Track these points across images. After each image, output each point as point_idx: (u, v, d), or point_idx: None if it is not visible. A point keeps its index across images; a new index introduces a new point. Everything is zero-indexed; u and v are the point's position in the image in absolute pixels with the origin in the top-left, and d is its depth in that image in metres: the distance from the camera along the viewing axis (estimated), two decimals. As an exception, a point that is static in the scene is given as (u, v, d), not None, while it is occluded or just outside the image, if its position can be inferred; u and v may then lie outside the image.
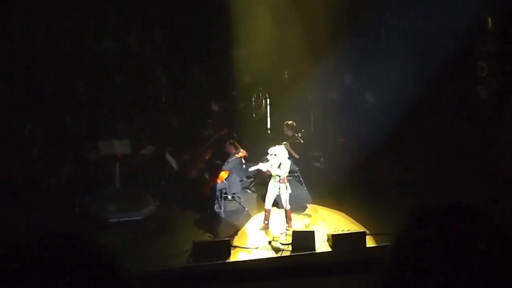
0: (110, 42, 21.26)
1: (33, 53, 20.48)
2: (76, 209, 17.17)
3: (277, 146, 16.26)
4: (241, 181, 17.27)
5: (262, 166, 16.29)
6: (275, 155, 15.97)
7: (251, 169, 16.73)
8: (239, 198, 17.19)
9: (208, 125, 19.00)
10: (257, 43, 19.03)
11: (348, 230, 15.91)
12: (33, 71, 20.14)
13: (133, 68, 20.69)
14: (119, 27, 21.36)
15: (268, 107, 19.47)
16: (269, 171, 16.16)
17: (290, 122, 17.97)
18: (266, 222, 16.37)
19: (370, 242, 15.46)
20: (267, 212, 16.31)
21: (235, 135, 18.13)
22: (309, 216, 16.83)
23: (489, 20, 17.62)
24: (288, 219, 16.19)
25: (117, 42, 21.26)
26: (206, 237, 16.24)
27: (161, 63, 20.81)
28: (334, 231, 15.83)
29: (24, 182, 17.63)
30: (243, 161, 17.19)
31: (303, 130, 17.99)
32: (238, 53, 19.57)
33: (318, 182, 17.60)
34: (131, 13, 21.23)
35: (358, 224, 16.36)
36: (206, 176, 17.60)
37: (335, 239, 15.54)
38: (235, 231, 16.42)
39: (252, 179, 17.65)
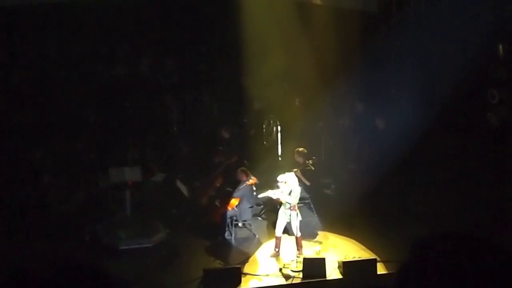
0: (121, 70, 21.33)
1: (44, 81, 20.59)
2: (86, 236, 17.14)
3: (287, 173, 16.21)
4: (251, 207, 17.26)
5: (272, 193, 16.19)
6: (285, 182, 16.06)
7: (261, 195, 16.66)
8: (250, 225, 17.22)
9: (218, 152, 19.00)
10: (269, 71, 18.99)
11: (359, 257, 15.88)
12: (45, 99, 20.24)
13: (144, 95, 20.73)
14: (131, 55, 21.44)
15: (279, 134, 19.50)
16: (279, 199, 16.17)
17: (301, 149, 17.94)
18: (276, 250, 16.33)
19: (381, 269, 15.43)
20: (278, 239, 16.28)
21: (245, 162, 18.09)
22: (320, 243, 16.82)
23: (500, 47, 17.68)
24: (299, 246, 16.12)
25: (128, 70, 21.37)
26: (217, 264, 16.17)
27: (172, 91, 20.85)
28: (345, 258, 15.80)
29: (34, 210, 17.68)
30: (254, 188, 17.17)
31: (314, 157, 17.99)
32: (249, 81, 19.64)
33: (328, 209, 17.62)
34: (142, 41, 21.28)
35: (369, 251, 16.34)
36: (217, 203, 17.66)
37: (346, 266, 15.52)
38: (246, 258, 16.40)
39: (263, 206, 17.61)
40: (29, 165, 18.89)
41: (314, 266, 15.56)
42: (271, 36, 19.49)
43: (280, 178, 16.12)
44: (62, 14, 20.45)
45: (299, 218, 16.07)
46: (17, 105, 20.13)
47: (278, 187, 16.20)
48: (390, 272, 15.32)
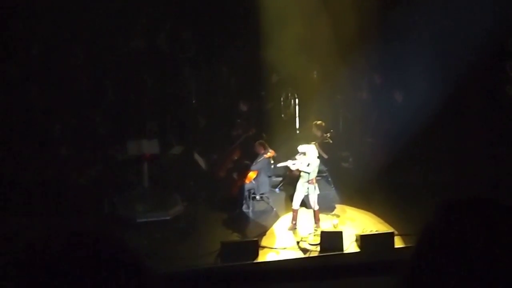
0: (139, 43, 21.40)
1: (62, 54, 20.72)
2: (104, 209, 17.35)
3: (305, 145, 16.42)
4: (269, 177, 17.38)
5: (291, 163, 16.32)
6: (305, 153, 16.11)
7: (280, 165, 16.80)
8: (268, 198, 17.25)
9: (236, 125, 19.13)
10: (286, 44, 19.02)
11: (376, 231, 16.02)
12: (63, 72, 20.33)
13: (163, 68, 20.82)
14: (148, 28, 21.48)
15: (297, 107, 19.58)
16: (297, 170, 16.28)
17: (319, 122, 18.00)
18: (294, 223, 16.42)
19: (398, 243, 15.47)
20: (295, 212, 16.36)
21: (263, 135, 18.23)
22: (338, 216, 16.94)
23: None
24: (316, 219, 16.30)
25: (146, 43, 21.43)
26: (234, 237, 16.35)
27: (190, 64, 20.89)
28: (363, 232, 15.90)
29: (53, 182, 17.82)
30: (272, 162, 17.26)
31: (332, 130, 18.00)
32: (267, 54, 19.59)
33: (346, 182, 17.68)
34: (160, 14, 21.28)
35: (387, 225, 16.42)
36: (235, 176, 17.73)
37: (364, 240, 15.63)
38: (263, 231, 16.51)
39: (281, 178, 17.69)
40: (48, 137, 19.12)
41: (331, 240, 15.65)
42: (290, 8, 19.50)
43: (300, 148, 16.28)
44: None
45: (317, 191, 16.22)
46: (35, 79, 20.24)
47: (295, 158, 16.34)
48: (408, 245, 15.37)
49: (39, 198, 17.06)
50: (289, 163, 16.42)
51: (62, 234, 2.43)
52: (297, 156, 16.34)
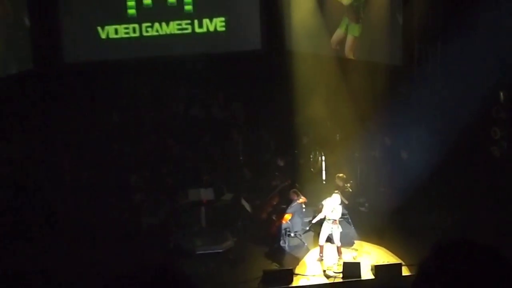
0: (198, 111, 21.62)
1: (138, 121, 21.04)
2: (171, 243, 17.29)
3: (329, 198, 16.27)
4: (302, 219, 17.34)
5: (320, 216, 16.30)
6: (327, 205, 16.15)
7: (314, 221, 16.78)
8: (300, 235, 17.15)
9: (275, 177, 19.09)
10: (315, 112, 19.22)
11: (387, 262, 15.98)
12: (138, 135, 20.65)
13: (217, 132, 20.98)
14: (206, 99, 21.74)
15: (323, 162, 19.44)
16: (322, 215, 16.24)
17: (341, 175, 17.91)
18: (321, 255, 16.35)
19: (405, 272, 15.45)
20: (322, 247, 16.31)
21: (297, 185, 18.09)
22: (356, 250, 16.83)
23: (501, 93, 17.69)
24: (339, 252, 16.22)
25: (204, 111, 21.67)
26: (274, 266, 16.30)
27: (238, 128, 21.09)
28: (376, 263, 15.89)
29: (130, 222, 17.95)
30: (303, 206, 17.25)
31: (351, 181, 18.13)
32: (299, 120, 19.83)
33: (363, 223, 17.56)
34: (215, 89, 21.58)
35: (396, 257, 16.31)
36: (274, 218, 17.65)
37: (377, 269, 15.62)
38: (297, 261, 16.48)
39: (310, 219, 17.42)
40: (127, 185, 19.20)
41: (351, 269, 15.64)
42: (317, 84, 19.72)
43: (325, 202, 16.30)
44: (155, 65, 20.97)
45: (340, 230, 16.19)
46: (116, 140, 20.50)
47: (322, 205, 16.30)
48: (413, 274, 15.27)
49: (118, 235, 17.15)
50: (319, 217, 16.41)
51: (136, 265, 2.47)
52: (323, 203, 16.34)
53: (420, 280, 2.54)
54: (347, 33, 20.27)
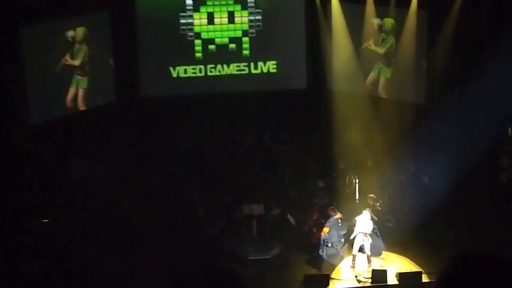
0: (252, 139, 21.90)
1: (201, 147, 21.38)
2: (226, 249, 17.77)
3: (361, 215, 16.75)
4: (337, 232, 17.45)
5: (356, 232, 16.66)
6: (359, 221, 16.60)
7: (352, 237, 16.82)
8: (336, 245, 17.32)
9: (316, 196, 19.34)
10: (350, 142, 19.26)
11: (410, 270, 16.34)
12: (201, 158, 21.10)
13: (268, 157, 21.24)
14: (259, 129, 22.00)
15: (357, 184, 19.45)
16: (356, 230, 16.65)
17: (371, 195, 18.35)
18: (353, 263, 16.71)
19: (425, 278, 15.73)
20: (354, 256, 16.69)
21: (334, 203, 18.28)
22: (383, 259, 17.12)
23: (509, 129, 17.96)
24: (368, 261, 16.60)
25: (257, 139, 21.92)
26: (313, 271, 16.69)
27: (287, 154, 21.24)
28: (400, 270, 16.29)
29: (193, 233, 18.30)
30: (340, 221, 17.49)
31: (380, 201, 18.47)
32: (338, 148, 19.88)
33: (390, 236, 17.63)
34: (266, 119, 21.84)
35: (417, 266, 16.56)
36: (314, 230, 17.90)
37: (401, 276, 16.00)
38: (333, 268, 16.83)
39: (345, 232, 17.63)
40: (190, 201, 19.53)
41: (379, 275, 16.06)
42: (353, 118, 19.76)
43: (358, 218, 16.73)
44: (217, 100, 21.38)
45: (370, 241, 16.57)
46: (184, 160, 20.85)
47: (355, 221, 16.70)
48: (432, 280, 15.53)
49: (183, 244, 17.56)
50: (355, 232, 16.66)
51: (199, 269, 2.57)
52: (356, 219, 16.70)
53: (439, 286, 2.51)
54: (380, 76, 20.37)
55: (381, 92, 20.47)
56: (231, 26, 21.06)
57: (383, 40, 20.13)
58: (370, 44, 20.26)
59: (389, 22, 19.93)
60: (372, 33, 20.19)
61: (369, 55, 20.43)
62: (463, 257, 2.56)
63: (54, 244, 16.85)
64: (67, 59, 19.18)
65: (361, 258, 16.69)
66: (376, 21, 20.06)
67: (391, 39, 19.99)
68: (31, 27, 18.33)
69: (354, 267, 16.69)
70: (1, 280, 14.43)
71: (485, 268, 2.46)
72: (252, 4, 20.92)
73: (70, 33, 19.29)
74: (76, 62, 19.46)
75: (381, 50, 20.18)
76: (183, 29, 20.88)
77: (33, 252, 16.47)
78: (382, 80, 20.42)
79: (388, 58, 20.22)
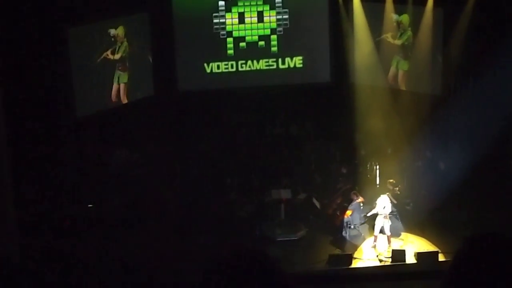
0: (280, 129, 21.94)
1: (234, 137, 21.44)
2: (257, 231, 17.76)
3: (382, 196, 16.73)
4: (359, 215, 17.40)
5: (374, 211, 16.70)
6: (379, 203, 16.57)
7: (369, 214, 17.00)
8: (358, 227, 17.30)
9: (339, 181, 19.29)
10: (372, 130, 19.18)
11: (427, 250, 16.23)
12: (234, 147, 21.16)
13: (294, 145, 21.24)
14: (286, 119, 21.97)
15: (378, 171, 19.43)
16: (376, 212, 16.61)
17: (391, 180, 18.13)
18: (375, 243, 16.65)
19: (442, 258, 15.63)
20: (375, 237, 16.62)
21: (356, 188, 18.27)
22: (402, 240, 17.03)
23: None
24: (388, 241, 16.52)
25: (285, 130, 21.94)
26: (337, 251, 16.65)
27: (311, 142, 21.26)
28: (418, 250, 16.20)
29: (227, 215, 18.43)
30: (361, 205, 17.43)
31: (399, 186, 18.25)
32: (359, 136, 19.98)
33: (408, 218, 17.55)
34: (293, 110, 21.81)
35: (434, 246, 16.47)
36: (338, 213, 17.86)
37: (418, 256, 15.94)
38: (355, 248, 16.78)
39: (367, 215, 17.52)
40: (225, 186, 19.67)
41: (398, 255, 15.97)
42: (374, 108, 19.60)
43: (379, 200, 16.71)
44: (247, 94, 21.31)
45: (389, 223, 16.51)
46: (218, 148, 20.91)
47: (376, 204, 16.63)
48: (448, 259, 15.40)
49: (219, 225, 17.64)
50: (373, 211, 16.75)
51: (234, 251, 2.55)
52: (377, 202, 16.60)
53: (455, 265, 2.50)
54: (398, 69, 20.30)
55: (400, 84, 20.38)
56: (260, 25, 21.10)
57: (401, 34, 20.04)
58: (388, 37, 20.20)
59: (406, 18, 19.85)
60: (391, 28, 20.13)
61: (388, 49, 20.35)
62: (476, 237, 2.52)
63: (97, 227, 17.06)
64: (108, 54, 19.34)
65: (382, 238, 16.62)
66: (394, 17, 19.99)
67: (408, 33, 19.88)
68: (76, 28, 18.60)
69: (375, 247, 16.61)
70: (47, 261, 14.48)
71: (498, 248, 2.43)
72: (280, 4, 20.96)
73: (112, 32, 19.49)
74: (117, 57, 19.61)
75: (398, 42, 20.12)
76: (216, 28, 20.99)
77: (77, 234, 16.65)
78: (400, 73, 20.34)
79: (406, 51, 20.11)
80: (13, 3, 16.14)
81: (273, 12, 20.99)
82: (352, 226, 17.17)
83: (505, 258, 2.38)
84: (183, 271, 14.77)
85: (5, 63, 14.88)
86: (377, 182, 19.30)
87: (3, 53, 14.81)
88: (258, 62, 21.24)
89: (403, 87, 20.36)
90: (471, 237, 2.54)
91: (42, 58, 17.39)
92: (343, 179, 19.30)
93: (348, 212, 17.20)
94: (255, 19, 21.04)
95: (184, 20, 20.84)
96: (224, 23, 20.95)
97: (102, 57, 19.11)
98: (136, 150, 19.76)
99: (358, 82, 20.68)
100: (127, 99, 20.00)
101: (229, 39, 21.07)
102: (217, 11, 20.85)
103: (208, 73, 21.24)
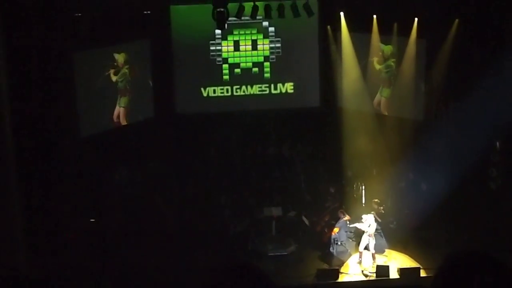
0: (271, 150, 21.84)
1: (228, 157, 21.37)
2: (249, 246, 17.75)
3: (368, 214, 16.77)
4: (346, 232, 17.31)
5: (359, 225, 16.68)
6: (367, 220, 16.53)
7: (352, 225, 16.97)
8: (345, 244, 17.19)
9: (327, 200, 19.23)
10: (358, 153, 19.19)
11: (409, 266, 16.26)
12: (228, 166, 21.05)
13: (285, 165, 21.24)
14: (277, 142, 21.89)
15: (363, 191, 19.32)
16: (362, 228, 16.61)
17: (376, 200, 18.19)
18: (360, 259, 16.62)
19: (423, 273, 15.64)
20: (361, 253, 16.59)
21: (343, 206, 18.22)
22: (386, 256, 17.02)
23: (497, 142, 17.88)
24: (373, 258, 16.47)
25: (276, 150, 21.81)
26: (324, 266, 16.62)
27: (301, 163, 21.20)
28: (401, 266, 16.21)
29: (221, 231, 18.41)
30: (348, 222, 17.28)
31: (383, 205, 18.30)
32: (346, 158, 19.76)
33: (391, 236, 17.53)
34: (285, 133, 21.80)
35: (416, 262, 16.45)
36: (326, 230, 17.81)
37: (401, 271, 15.96)
38: (342, 263, 16.73)
39: (353, 233, 17.47)
40: (218, 203, 19.60)
41: (382, 270, 15.99)
42: (360, 132, 19.69)
43: (364, 217, 16.68)
44: (241, 117, 21.36)
45: (374, 241, 16.48)
46: (213, 168, 20.84)
47: (362, 222, 16.62)
48: (429, 275, 15.44)
49: (213, 240, 17.65)
50: (357, 225, 16.76)
51: (222, 263, 2.79)
52: (362, 220, 16.63)
53: (436, 282, 2.48)
54: (381, 96, 20.57)
55: (383, 110, 20.58)
56: (254, 52, 21.23)
57: (384, 61, 20.26)
58: (373, 61, 20.42)
59: (388, 49, 20.11)
60: (377, 55, 20.35)
61: (375, 76, 20.54)
62: (457, 255, 2.51)
63: (98, 241, 16.97)
64: (111, 74, 19.54)
65: (367, 255, 16.58)
66: (380, 46, 20.24)
67: (389, 63, 20.14)
68: (81, 53, 18.79)
69: (361, 263, 16.59)
70: (48, 276, 14.43)
71: (478, 265, 2.41)
72: (273, 34, 21.11)
73: (115, 56, 19.65)
74: (119, 80, 19.74)
75: (383, 69, 20.31)
76: (213, 55, 21.12)
77: (79, 248, 16.66)
78: (382, 100, 20.57)
79: (389, 80, 20.35)
80: (22, 31, 16.21)
81: (266, 41, 21.14)
82: (339, 243, 17.10)
83: (485, 276, 2.35)
84: (180, 283, 14.76)
85: (14, 85, 14.92)
86: (363, 202, 19.22)
87: (13, 75, 14.86)
88: (252, 87, 21.33)
89: (385, 113, 20.51)
90: (452, 254, 2.52)
91: (49, 81, 17.46)
92: (331, 198, 19.25)
93: (336, 229, 17.15)
94: (249, 47, 21.17)
95: (183, 47, 20.97)
96: (220, 50, 21.08)
97: (105, 75, 19.28)
98: (136, 168, 19.77)
99: (345, 107, 20.81)
100: (126, 121, 20.10)
101: (225, 65, 21.19)
102: (214, 39, 20.96)
103: (205, 97, 21.32)
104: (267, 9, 17.86)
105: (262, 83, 21.34)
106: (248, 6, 18.10)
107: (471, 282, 2.34)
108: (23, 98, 16.17)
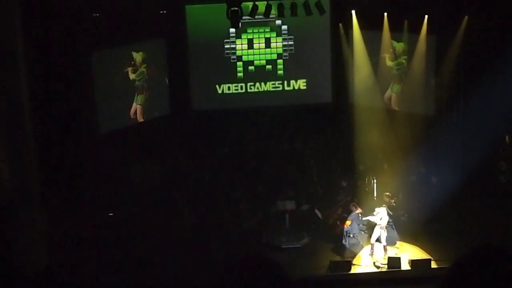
0: (285, 145, 21.79)
1: (243, 152, 21.34)
2: (263, 239, 17.70)
3: (381, 208, 16.71)
4: (358, 224, 17.35)
5: (371, 218, 16.67)
6: (379, 212, 16.46)
7: (365, 218, 17.02)
8: (357, 236, 17.22)
9: (340, 193, 19.23)
10: (370, 147, 19.23)
11: (420, 257, 16.10)
12: (243, 162, 21.02)
13: (298, 159, 21.22)
14: (291, 136, 21.86)
15: (375, 184, 19.24)
16: (374, 221, 16.55)
17: (387, 193, 18.08)
18: (372, 251, 16.59)
19: (434, 265, 15.52)
20: (372, 245, 16.56)
21: (355, 199, 18.21)
22: (398, 248, 16.93)
23: (506, 137, 17.69)
24: (384, 250, 16.44)
25: (289, 145, 21.78)
26: (337, 258, 16.53)
27: (313, 157, 21.09)
28: (412, 258, 16.06)
29: (236, 225, 18.45)
30: (360, 215, 17.31)
31: (395, 198, 18.20)
32: (359, 153, 19.74)
33: (403, 228, 17.45)
34: (298, 128, 21.76)
35: (426, 254, 16.33)
36: (338, 223, 17.83)
37: (412, 263, 15.79)
38: (354, 255, 16.68)
39: (365, 225, 17.56)
40: (234, 199, 19.54)
41: (393, 262, 15.87)
42: (372, 127, 19.60)
43: (377, 209, 16.67)
44: (255, 113, 21.42)
45: (386, 233, 16.46)
46: (228, 164, 20.83)
47: (374, 215, 16.55)
48: (440, 267, 15.32)
49: (229, 233, 17.77)
50: (370, 218, 16.75)
51: (237, 256, 2.56)
52: (374, 213, 16.55)
53: (451, 275, 2.46)
54: (392, 92, 20.47)
55: (393, 105, 20.47)
56: (268, 50, 21.18)
57: (395, 58, 20.15)
58: (385, 57, 20.29)
59: (400, 46, 19.97)
60: (388, 51, 20.24)
61: (386, 72, 20.39)
62: (475, 249, 2.48)
63: (117, 235, 17.07)
64: (129, 71, 19.60)
65: (378, 247, 16.55)
66: (392, 43, 20.13)
67: (401, 60, 20.02)
68: (100, 52, 18.86)
69: (372, 254, 16.55)
70: (66, 272, 14.46)
71: (494, 260, 2.39)
72: (286, 32, 21.03)
73: (134, 55, 19.73)
74: (137, 79, 19.79)
75: (394, 66, 20.17)
76: (227, 53, 21.09)
77: (98, 242, 16.71)
78: (393, 96, 20.46)
79: (398, 76, 20.22)
80: (42, 31, 16.27)
81: (280, 39, 21.08)
82: (351, 235, 17.07)
83: (502, 270, 2.35)
84: (196, 276, 14.76)
85: (35, 83, 14.95)
86: (375, 195, 19.14)
87: (33, 73, 14.88)
88: (265, 84, 21.30)
89: (396, 108, 20.41)
90: (468, 250, 2.50)
91: (69, 79, 17.54)
92: (343, 192, 19.22)
93: (348, 222, 17.12)
94: (263, 45, 21.12)
95: (198, 45, 20.96)
96: (234, 48, 21.06)
97: (123, 73, 19.36)
98: (153, 164, 19.76)
99: (357, 102, 20.73)
100: (143, 118, 20.15)
101: (239, 63, 21.16)
102: (228, 37, 20.94)
103: (220, 93, 21.31)
104: (280, 7, 17.76)
105: (276, 80, 21.30)
106: (261, 5, 18.03)
107: (487, 277, 2.33)
108: (43, 96, 16.26)
